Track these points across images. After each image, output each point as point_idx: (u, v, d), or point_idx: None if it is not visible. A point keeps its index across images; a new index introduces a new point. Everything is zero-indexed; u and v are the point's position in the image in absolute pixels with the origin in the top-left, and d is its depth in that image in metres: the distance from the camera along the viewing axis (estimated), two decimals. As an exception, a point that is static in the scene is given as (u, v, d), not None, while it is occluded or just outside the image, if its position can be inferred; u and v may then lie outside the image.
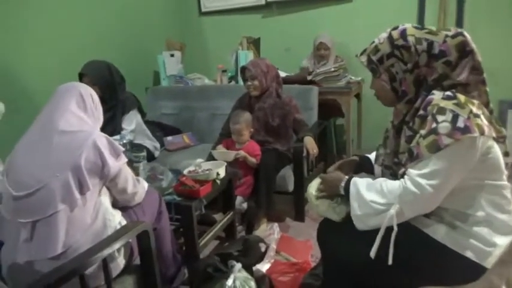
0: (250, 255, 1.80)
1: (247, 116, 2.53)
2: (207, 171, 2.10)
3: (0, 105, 1.99)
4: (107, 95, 2.53)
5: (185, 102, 3.47)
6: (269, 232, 2.10)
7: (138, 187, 1.65)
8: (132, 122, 2.74)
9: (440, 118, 1.10)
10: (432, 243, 1.18)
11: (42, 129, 1.45)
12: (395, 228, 1.16)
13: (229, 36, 3.94)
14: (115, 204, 1.60)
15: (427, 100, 1.16)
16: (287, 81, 3.04)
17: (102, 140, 1.44)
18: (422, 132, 1.14)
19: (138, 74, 3.59)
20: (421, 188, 1.12)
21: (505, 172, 1.20)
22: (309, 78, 3.15)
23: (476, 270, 1.16)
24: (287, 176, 2.54)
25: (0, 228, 1.44)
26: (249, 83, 2.61)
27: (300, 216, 2.65)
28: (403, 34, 1.20)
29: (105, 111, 1.70)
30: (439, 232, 1.18)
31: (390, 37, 1.22)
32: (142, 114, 2.97)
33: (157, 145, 3.02)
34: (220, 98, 3.33)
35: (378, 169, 1.45)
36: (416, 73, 1.19)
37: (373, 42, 1.28)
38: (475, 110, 1.11)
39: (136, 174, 1.95)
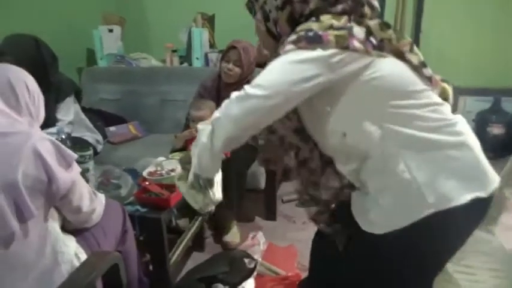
0: (236, 273, 1.52)
1: (211, 104, 2.19)
2: (174, 174, 1.74)
3: None
4: (36, 79, 2.01)
5: (129, 86, 3.00)
6: (252, 242, 1.83)
7: (95, 202, 1.27)
8: (69, 111, 2.25)
9: (290, 37, 0.91)
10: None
11: None
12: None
13: (178, 11, 3.50)
14: (65, 227, 1.21)
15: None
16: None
17: (45, 144, 1.04)
18: None
19: (66, 52, 2.94)
20: (255, 103, 0.89)
21: (418, 87, 0.93)
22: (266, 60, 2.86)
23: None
24: (259, 172, 2.27)
25: None
26: (230, 66, 2.25)
27: (271, 215, 2.41)
28: None
29: None
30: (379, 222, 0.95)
31: None
32: (79, 100, 2.47)
33: (100, 138, 2.54)
34: (171, 82, 2.93)
35: None
36: (288, 10, 1.00)
37: None
38: (340, 23, 0.91)
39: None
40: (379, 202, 0.94)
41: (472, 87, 3.50)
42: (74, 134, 2.25)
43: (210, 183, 1.12)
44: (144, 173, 1.76)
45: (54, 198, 1.07)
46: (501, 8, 3.32)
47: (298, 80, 0.88)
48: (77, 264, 1.13)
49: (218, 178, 1.19)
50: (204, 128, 1.02)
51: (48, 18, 2.91)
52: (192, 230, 1.89)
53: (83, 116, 2.43)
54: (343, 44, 0.88)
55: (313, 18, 0.95)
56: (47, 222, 1.09)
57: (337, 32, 0.89)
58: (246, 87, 0.92)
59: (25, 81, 1.14)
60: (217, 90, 2.33)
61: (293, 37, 0.91)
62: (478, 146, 0.96)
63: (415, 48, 0.97)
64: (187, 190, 1.13)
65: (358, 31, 0.91)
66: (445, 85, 1.01)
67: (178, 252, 1.72)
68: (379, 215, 0.95)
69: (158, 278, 1.60)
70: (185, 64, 3.11)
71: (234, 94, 0.95)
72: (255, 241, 1.82)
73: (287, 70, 0.90)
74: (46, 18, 2.88)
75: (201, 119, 2.12)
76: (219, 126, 0.96)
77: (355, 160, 0.97)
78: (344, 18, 0.94)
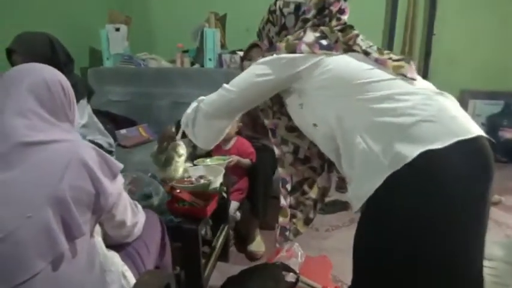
0: (276, 288, 1.43)
1: None
2: (206, 181, 1.65)
3: None
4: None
5: (139, 88, 2.88)
6: (288, 254, 1.74)
7: (138, 215, 1.17)
8: (83, 113, 2.12)
9: None
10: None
11: None
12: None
13: (187, 10, 3.40)
14: (106, 242, 1.10)
15: None
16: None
17: (90, 153, 0.94)
18: None
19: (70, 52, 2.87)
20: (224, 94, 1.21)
21: (365, 79, 1.01)
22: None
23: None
24: (283, 178, 2.18)
25: None
26: None
27: (293, 222, 2.32)
28: (275, 0, 1.25)
29: None
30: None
31: (269, 6, 1.27)
32: (89, 102, 2.34)
33: (112, 141, 2.41)
34: (185, 84, 2.82)
35: None
36: (284, 35, 1.20)
37: None
38: (292, 38, 1.12)
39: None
40: (351, 179, 1.01)
41: (481, 91, 3.49)
42: (87, 138, 2.14)
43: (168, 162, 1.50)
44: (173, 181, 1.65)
45: (101, 212, 0.96)
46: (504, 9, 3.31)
47: (251, 75, 1.15)
48: (124, 284, 1.03)
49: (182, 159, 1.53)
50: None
51: (53, 15, 2.76)
52: (221, 240, 1.79)
53: (95, 118, 2.30)
54: (291, 49, 1.09)
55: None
56: (93, 239, 0.99)
57: (289, 42, 1.11)
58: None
59: (60, 82, 1.02)
60: None
61: None
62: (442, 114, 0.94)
63: (358, 39, 1.10)
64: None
65: (310, 36, 1.11)
66: (399, 63, 1.03)
67: (210, 263, 1.63)
68: (353, 192, 1.00)
69: (191, 292, 1.50)
70: (196, 65, 3.01)
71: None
72: (292, 253, 1.73)
73: (249, 70, 1.17)
74: (51, 16, 2.74)
75: None
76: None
77: (333, 150, 1.09)
78: (302, 30, 1.14)
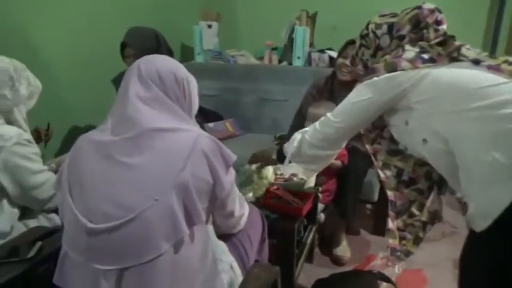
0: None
1: (331, 107, 2.04)
2: (301, 180, 1.63)
3: (37, 83, 1.45)
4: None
5: (228, 83, 2.95)
6: (382, 262, 1.67)
7: (244, 207, 1.18)
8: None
9: None
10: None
11: (125, 124, 0.95)
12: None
13: (277, 7, 3.41)
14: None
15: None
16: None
17: (210, 144, 0.96)
18: None
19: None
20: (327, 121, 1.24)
21: (481, 84, 0.95)
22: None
23: None
24: (373, 183, 2.10)
25: (61, 275, 0.95)
26: (347, 63, 2.06)
27: (380, 229, 2.22)
28: (367, 24, 1.25)
29: None
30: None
31: (361, 32, 1.28)
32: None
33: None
34: (271, 81, 2.84)
35: None
36: (380, 55, 1.20)
37: None
38: (390, 57, 1.13)
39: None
40: (473, 197, 0.94)
41: None
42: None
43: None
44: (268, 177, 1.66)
45: (216, 201, 0.99)
46: None
47: (355, 101, 1.18)
48: (233, 275, 1.04)
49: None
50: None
51: (152, 13, 2.92)
52: (309, 240, 1.77)
53: (188, 111, 2.40)
54: (391, 68, 1.08)
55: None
56: (208, 228, 1.01)
57: (387, 61, 1.11)
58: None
59: (187, 77, 1.05)
60: (330, 91, 2.18)
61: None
62: None
63: (463, 49, 1.06)
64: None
65: (409, 53, 1.09)
66: None
67: (300, 263, 1.61)
68: (477, 209, 0.93)
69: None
70: (284, 63, 3.01)
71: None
72: (388, 262, 1.66)
73: (351, 97, 1.21)
74: (151, 14, 2.90)
75: (313, 118, 2.00)
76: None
77: (447, 165, 1.03)
78: (398, 48, 1.14)
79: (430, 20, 1.15)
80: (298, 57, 2.89)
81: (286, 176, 1.68)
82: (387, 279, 1.43)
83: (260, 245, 1.30)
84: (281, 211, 1.48)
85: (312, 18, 2.99)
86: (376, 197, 2.13)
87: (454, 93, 0.99)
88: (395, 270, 1.61)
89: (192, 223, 0.91)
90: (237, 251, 1.14)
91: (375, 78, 1.11)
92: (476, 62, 1.01)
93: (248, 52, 3.23)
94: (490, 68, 0.97)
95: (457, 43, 1.09)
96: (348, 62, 2.08)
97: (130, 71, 1.03)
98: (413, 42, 1.13)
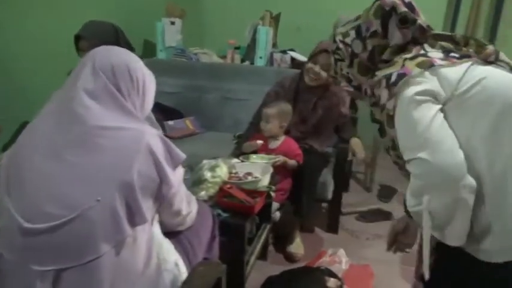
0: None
1: (287, 109, 2.09)
2: (255, 178, 1.66)
3: None
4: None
5: (190, 81, 2.93)
6: (331, 259, 1.72)
7: (192, 205, 1.18)
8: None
9: (379, 91, 1.01)
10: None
11: (71, 119, 0.93)
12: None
13: (240, 6, 3.43)
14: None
15: (371, 85, 1.08)
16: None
17: (157, 142, 0.96)
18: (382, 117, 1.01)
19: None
20: (420, 164, 0.89)
21: None
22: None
23: None
24: (328, 182, 2.16)
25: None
26: (317, 69, 2.10)
27: (333, 227, 2.30)
28: (333, 38, 1.18)
29: None
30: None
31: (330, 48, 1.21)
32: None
33: (161, 132, 2.48)
34: (235, 80, 2.86)
35: None
36: (357, 62, 1.12)
37: None
38: (412, 54, 0.99)
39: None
40: (493, 229, 0.88)
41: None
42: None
43: None
44: (221, 175, 1.67)
45: (162, 200, 0.99)
46: None
47: (428, 120, 0.89)
48: (176, 273, 1.05)
49: None
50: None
51: (112, 6, 2.86)
52: (263, 238, 1.80)
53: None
54: (427, 65, 0.92)
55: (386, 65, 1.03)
56: (152, 227, 1.01)
57: (416, 60, 0.95)
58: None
59: (142, 69, 1.03)
60: (296, 92, 2.22)
61: (384, 93, 0.98)
62: None
63: (501, 55, 0.96)
64: None
65: (434, 54, 0.97)
66: None
67: (251, 261, 1.64)
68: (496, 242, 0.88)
69: None
70: (246, 62, 3.03)
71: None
72: (336, 259, 1.71)
73: (410, 119, 0.91)
74: (111, 7, 2.83)
75: (267, 118, 2.04)
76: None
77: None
78: (415, 48, 1.01)
79: (399, 7, 1.03)
80: (261, 57, 2.92)
81: (241, 175, 1.70)
82: (334, 275, 1.48)
83: (210, 243, 1.32)
84: (233, 209, 1.50)
85: (276, 19, 3.03)
86: (330, 196, 2.19)
87: (500, 100, 0.88)
88: (342, 266, 1.67)
89: (135, 223, 0.91)
90: (183, 248, 1.14)
91: (419, 79, 0.92)
92: None
93: (211, 50, 3.23)
94: None
95: (491, 47, 0.96)
96: (317, 68, 2.11)
97: (84, 59, 1.01)
98: (431, 43, 1.02)
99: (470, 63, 0.92)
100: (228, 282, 1.51)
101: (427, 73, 0.92)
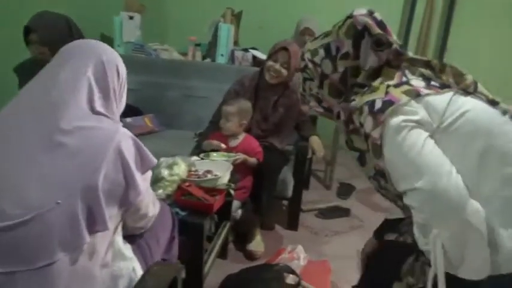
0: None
1: (246, 107, 2.08)
2: (215, 176, 1.64)
3: None
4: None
5: (149, 77, 2.86)
6: (290, 256, 1.74)
7: (156, 206, 1.14)
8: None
9: (362, 119, 0.94)
10: None
11: (39, 116, 0.88)
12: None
13: (202, 3, 3.39)
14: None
15: (348, 111, 1.01)
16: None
17: (128, 144, 0.91)
18: (366, 145, 0.96)
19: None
20: (418, 195, 0.85)
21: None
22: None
23: None
24: (288, 179, 2.18)
25: None
26: (277, 67, 2.11)
27: (293, 224, 2.32)
28: (302, 55, 1.12)
29: None
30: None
31: (300, 66, 1.14)
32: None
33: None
34: (196, 77, 2.82)
35: None
36: (327, 84, 1.07)
37: None
38: (394, 81, 0.96)
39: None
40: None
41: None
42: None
43: None
44: (180, 173, 1.64)
45: (129, 206, 0.94)
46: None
47: (420, 145, 0.87)
48: (133, 276, 1.01)
49: None
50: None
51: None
52: (222, 236, 1.79)
53: (104, 105, 2.29)
54: (414, 95, 0.90)
55: (365, 89, 0.98)
56: (114, 236, 0.96)
57: (402, 89, 0.92)
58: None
59: (117, 65, 0.99)
60: (256, 90, 2.22)
61: (367, 120, 0.92)
62: None
63: (479, 86, 0.96)
64: None
65: (417, 82, 0.95)
66: None
67: (211, 259, 1.62)
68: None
69: (191, 287, 1.49)
70: (208, 59, 3.00)
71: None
72: (294, 255, 1.73)
73: (400, 147, 0.88)
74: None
75: (227, 116, 2.03)
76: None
77: None
78: (397, 75, 0.98)
79: (372, 28, 1.00)
80: (222, 55, 2.90)
81: (200, 173, 1.68)
82: (292, 272, 1.50)
83: (169, 244, 1.28)
84: (191, 208, 1.47)
85: (237, 17, 3.03)
86: (290, 193, 2.21)
87: (482, 132, 0.88)
88: (300, 263, 1.70)
89: (94, 230, 0.86)
90: (141, 252, 1.10)
91: (407, 108, 0.90)
92: (493, 103, 0.93)
93: (172, 47, 3.17)
94: (506, 113, 0.91)
95: (470, 77, 0.96)
96: (277, 66, 2.12)
97: (68, 51, 0.96)
98: (412, 69, 1.00)
99: (452, 92, 0.92)
100: (186, 281, 1.50)
101: (413, 102, 0.90)
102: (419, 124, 0.89)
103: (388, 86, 0.94)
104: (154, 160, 0.96)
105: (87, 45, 0.99)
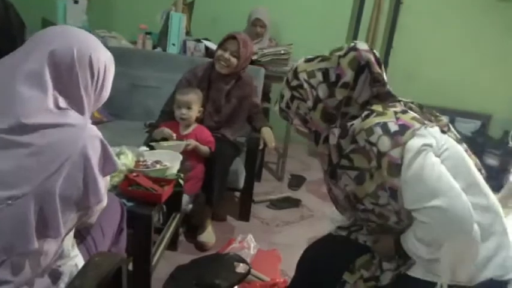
0: (227, 278, 1.43)
1: (200, 94, 2.06)
2: (164, 166, 1.60)
3: None
4: (1, 48, 1.74)
5: (96, 66, 2.73)
6: (240, 245, 1.74)
7: (105, 199, 1.09)
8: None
9: (373, 138, 0.99)
10: None
11: (4, 109, 0.80)
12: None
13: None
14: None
15: (351, 131, 1.04)
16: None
17: (94, 145, 0.85)
18: (373, 163, 1.00)
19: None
20: (434, 212, 0.93)
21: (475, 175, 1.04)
22: (254, 57, 2.78)
23: None
24: (240, 171, 2.18)
25: None
26: (226, 56, 2.10)
27: (245, 215, 2.33)
28: (295, 73, 1.12)
29: None
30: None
31: (287, 80, 1.14)
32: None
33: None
34: (144, 66, 2.73)
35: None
36: (321, 108, 1.09)
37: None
38: (398, 109, 1.05)
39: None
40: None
41: (430, 105, 3.67)
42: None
43: None
44: (127, 163, 1.59)
45: (87, 210, 0.89)
46: (474, 27, 3.45)
47: (437, 167, 0.97)
48: (74, 271, 0.96)
49: None
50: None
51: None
52: (172, 228, 1.76)
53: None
54: (420, 122, 1.00)
55: (364, 114, 1.04)
56: (65, 240, 0.91)
57: (409, 115, 1.02)
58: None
59: (105, 60, 0.93)
60: (209, 81, 2.19)
61: (383, 139, 0.97)
62: None
63: (450, 126, 1.10)
64: None
65: (412, 112, 1.06)
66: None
67: (159, 251, 1.59)
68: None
69: (138, 279, 1.46)
70: (158, 49, 2.92)
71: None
72: (244, 244, 1.74)
73: (421, 167, 0.95)
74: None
75: (188, 104, 2.00)
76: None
77: None
78: (398, 104, 1.08)
79: (374, 66, 1.07)
80: (173, 44, 2.83)
81: (149, 163, 1.64)
82: (243, 260, 1.50)
83: (117, 236, 1.24)
84: (139, 198, 1.43)
85: (189, 6, 2.97)
86: (242, 185, 2.22)
87: (463, 171, 1.01)
88: (250, 252, 1.71)
89: (45, 236, 0.81)
90: (86, 246, 1.06)
91: (424, 132, 1.00)
92: (459, 142, 1.07)
93: (120, 34, 3.05)
94: (467, 152, 1.07)
95: (444, 118, 1.12)
96: (227, 55, 2.10)
97: (37, 39, 0.87)
98: (404, 102, 1.11)
99: (437, 127, 1.04)
100: (134, 273, 1.46)
101: (424, 128, 0.99)
102: (433, 148, 0.98)
103: (396, 112, 1.01)
104: (118, 164, 0.92)
105: (61, 33, 0.90)
